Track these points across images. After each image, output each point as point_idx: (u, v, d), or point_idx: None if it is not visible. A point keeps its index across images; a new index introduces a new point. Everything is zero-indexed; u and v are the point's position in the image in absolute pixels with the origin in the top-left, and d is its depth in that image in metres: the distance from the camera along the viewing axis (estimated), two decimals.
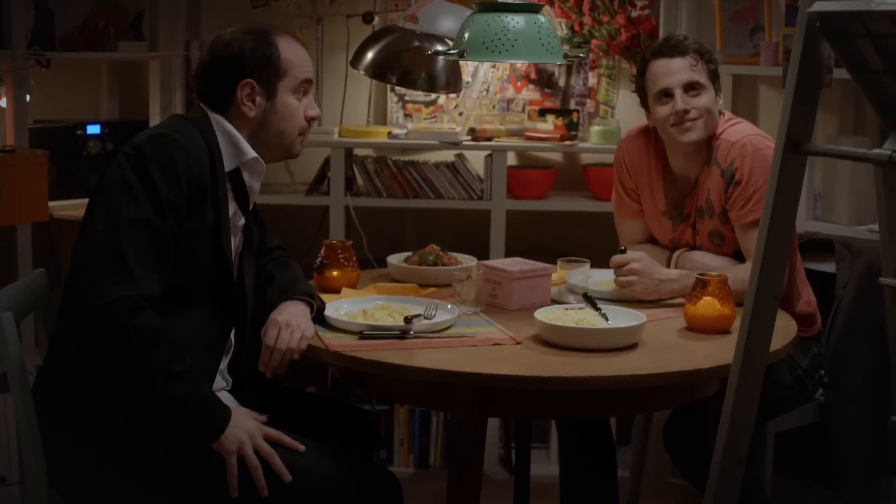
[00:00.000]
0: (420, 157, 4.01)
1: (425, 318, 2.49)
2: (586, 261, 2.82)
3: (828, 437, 3.09)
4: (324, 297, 2.60)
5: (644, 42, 3.80)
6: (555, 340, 2.38)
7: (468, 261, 3.02)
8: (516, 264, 2.75)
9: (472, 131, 3.94)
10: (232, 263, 2.35)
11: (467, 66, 4.02)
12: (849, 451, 3.07)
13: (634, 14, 3.86)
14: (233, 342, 2.43)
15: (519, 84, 4.09)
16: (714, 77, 2.88)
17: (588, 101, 4.04)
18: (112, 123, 3.98)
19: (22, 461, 2.67)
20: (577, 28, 3.93)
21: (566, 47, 3.85)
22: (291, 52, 2.37)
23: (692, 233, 2.97)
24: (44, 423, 2.23)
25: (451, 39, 3.02)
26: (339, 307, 2.57)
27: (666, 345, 2.44)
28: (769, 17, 3.65)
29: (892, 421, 2.38)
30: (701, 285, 2.52)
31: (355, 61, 3.41)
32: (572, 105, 4.04)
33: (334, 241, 2.87)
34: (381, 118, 4.14)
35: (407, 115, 4.10)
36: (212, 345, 2.34)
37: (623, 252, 2.77)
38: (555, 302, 2.73)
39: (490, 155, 3.85)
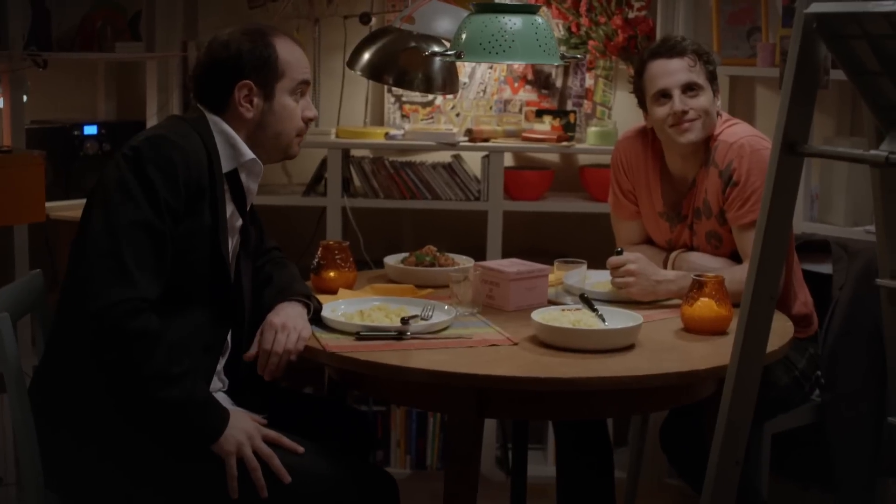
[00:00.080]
0: (417, 158, 4.01)
1: (422, 319, 2.49)
2: (583, 262, 2.82)
3: (824, 438, 3.09)
4: (321, 297, 2.60)
5: (641, 43, 3.80)
6: (552, 341, 2.39)
7: (465, 262, 3.02)
8: (513, 265, 2.75)
9: (469, 132, 3.94)
10: (229, 264, 2.34)
11: (464, 67, 4.02)
12: (845, 452, 3.08)
13: (631, 15, 3.86)
14: (229, 343, 2.43)
15: (516, 85, 4.09)
16: (712, 78, 2.89)
17: (585, 102, 4.04)
18: (109, 124, 3.98)
19: (18, 462, 2.66)
20: (574, 29, 3.94)
21: (563, 48, 3.85)
22: (289, 53, 2.37)
23: (689, 234, 2.97)
24: (40, 423, 2.23)
25: (448, 40, 3.01)
26: (336, 308, 2.57)
27: (663, 346, 2.44)
28: (766, 19, 3.65)
29: (889, 422, 2.38)
30: (698, 286, 2.52)
31: (352, 62, 3.41)
32: (569, 106, 4.04)
33: (331, 242, 2.87)
34: (378, 119, 4.15)
35: (404, 116, 4.10)
36: (209, 346, 2.34)
37: (619, 253, 2.77)
38: (552, 303, 2.73)
39: (487, 156, 3.85)
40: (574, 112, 3.95)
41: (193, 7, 4.09)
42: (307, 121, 2.42)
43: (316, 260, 2.84)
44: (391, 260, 3.02)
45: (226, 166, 2.33)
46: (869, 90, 1.86)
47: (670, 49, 2.86)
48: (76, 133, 3.85)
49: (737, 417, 2.01)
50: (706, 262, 2.89)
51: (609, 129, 3.89)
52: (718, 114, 2.91)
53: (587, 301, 2.61)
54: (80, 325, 2.13)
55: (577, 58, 3.09)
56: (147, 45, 3.92)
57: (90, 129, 3.88)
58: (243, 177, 2.38)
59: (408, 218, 4.19)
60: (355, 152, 3.99)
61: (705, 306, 2.50)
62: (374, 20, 3.92)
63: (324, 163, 3.91)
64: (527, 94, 4.09)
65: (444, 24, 3.20)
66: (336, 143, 3.89)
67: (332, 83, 4.08)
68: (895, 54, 1.74)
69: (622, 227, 3.13)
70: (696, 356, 2.37)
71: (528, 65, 4.00)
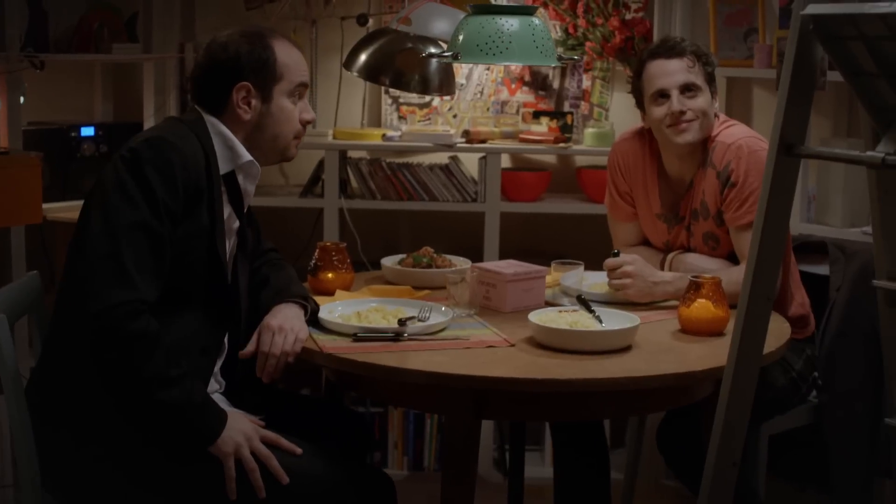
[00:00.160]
0: (414, 160, 4.01)
1: (419, 320, 2.49)
2: (580, 263, 2.82)
3: (821, 439, 3.09)
4: (318, 299, 2.60)
5: (638, 45, 3.80)
6: (549, 343, 2.39)
7: (462, 263, 3.02)
8: (510, 266, 2.75)
9: (466, 133, 3.94)
10: (226, 266, 2.35)
11: (461, 69, 4.02)
12: (842, 453, 3.08)
13: (628, 16, 3.86)
14: (226, 345, 2.43)
15: (513, 86, 4.09)
16: (710, 79, 2.89)
17: (582, 103, 4.04)
18: (106, 125, 3.98)
19: (15, 463, 2.66)
20: (571, 30, 3.94)
21: (560, 50, 3.85)
22: (287, 55, 2.37)
23: (686, 235, 2.97)
24: (37, 424, 2.23)
25: (445, 42, 3.01)
26: (333, 309, 2.57)
27: (660, 347, 2.44)
28: (763, 20, 3.66)
29: (886, 423, 2.38)
30: (695, 287, 2.52)
31: (349, 63, 3.40)
32: (566, 107, 4.04)
33: (328, 244, 2.87)
34: (376, 120, 4.14)
35: (401, 118, 4.10)
36: (206, 347, 2.34)
37: (616, 255, 2.77)
38: (549, 304, 2.73)
39: (484, 157, 3.85)
40: (571, 113, 3.95)
41: (190, 8, 4.09)
42: (305, 123, 2.42)
43: (313, 261, 2.84)
44: (388, 261, 3.02)
45: (223, 168, 2.33)
46: (865, 92, 1.86)
47: (669, 49, 2.86)
48: (73, 134, 3.84)
49: (733, 418, 2.01)
50: (703, 264, 2.89)
51: (606, 131, 3.89)
52: (716, 115, 2.91)
53: (584, 302, 2.61)
54: (78, 326, 2.13)
55: (574, 59, 3.09)
56: (144, 47, 3.91)
57: (87, 131, 3.88)
58: (240, 178, 2.38)
59: (405, 219, 4.19)
60: (352, 154, 3.99)
61: (702, 307, 2.50)
62: (370, 21, 3.92)
63: (321, 164, 3.91)
64: (524, 96, 4.09)
65: (441, 25, 3.19)
66: (333, 144, 3.89)
67: (329, 84, 4.08)
68: (891, 56, 1.75)
69: (619, 229, 3.13)
70: (693, 357, 2.37)
71: (525, 66, 4.01)
